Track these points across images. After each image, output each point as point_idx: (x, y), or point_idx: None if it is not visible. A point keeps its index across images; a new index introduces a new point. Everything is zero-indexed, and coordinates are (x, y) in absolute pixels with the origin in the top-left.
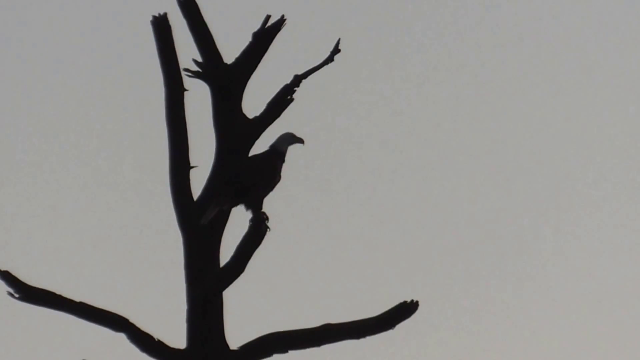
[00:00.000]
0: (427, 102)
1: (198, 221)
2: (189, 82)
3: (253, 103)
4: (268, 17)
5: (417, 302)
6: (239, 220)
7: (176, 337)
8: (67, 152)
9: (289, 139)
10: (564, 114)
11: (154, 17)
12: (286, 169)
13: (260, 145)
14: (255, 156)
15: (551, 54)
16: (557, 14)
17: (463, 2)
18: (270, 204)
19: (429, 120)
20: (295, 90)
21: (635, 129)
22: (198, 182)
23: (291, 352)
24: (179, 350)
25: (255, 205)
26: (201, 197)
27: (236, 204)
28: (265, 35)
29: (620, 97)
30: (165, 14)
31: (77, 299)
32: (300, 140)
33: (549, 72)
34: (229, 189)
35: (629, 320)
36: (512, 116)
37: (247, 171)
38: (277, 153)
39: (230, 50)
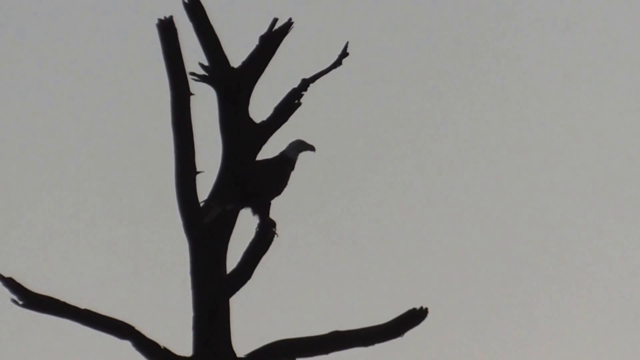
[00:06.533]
0: (438, 106)
1: (201, 220)
2: (195, 86)
3: (260, 107)
4: (275, 20)
5: (426, 309)
6: (245, 226)
7: (183, 344)
8: (72, 157)
9: (299, 146)
10: (581, 123)
11: (160, 20)
12: (293, 174)
13: (267, 150)
14: (265, 160)
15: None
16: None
17: (472, 4)
18: (277, 209)
19: (440, 125)
20: (302, 94)
21: None
22: (204, 187)
23: None
24: (185, 357)
25: (261, 211)
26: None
27: (241, 207)
28: (272, 39)
29: None
30: (171, 17)
31: (82, 306)
32: (311, 148)
33: (561, 83)
34: (234, 191)
35: (636, 319)
36: (528, 119)
37: (254, 175)
38: (287, 160)
39: (237, 54)
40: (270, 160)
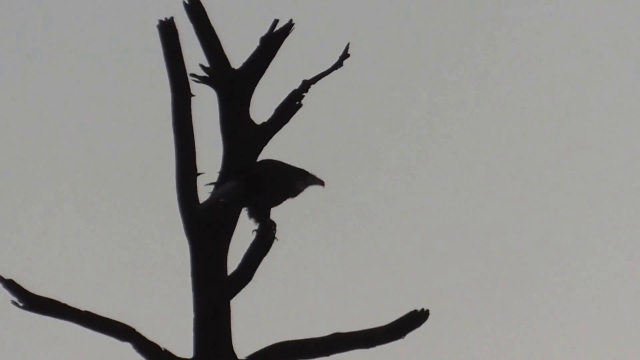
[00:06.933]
0: (440, 107)
1: (198, 206)
2: (195, 88)
3: (261, 108)
4: (276, 22)
5: (427, 310)
6: (246, 227)
7: (183, 346)
8: (72, 159)
9: (310, 180)
10: (580, 122)
11: (161, 21)
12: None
13: (269, 152)
14: (281, 165)
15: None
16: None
17: (477, 6)
18: (277, 210)
19: (442, 126)
20: (303, 96)
21: None
22: (205, 189)
23: None
24: None
25: (259, 213)
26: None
27: (239, 202)
28: (273, 40)
29: None
30: (171, 18)
31: (82, 308)
32: (321, 183)
33: (564, 83)
34: (238, 183)
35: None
36: (531, 120)
37: (264, 170)
38: (294, 186)
39: (237, 55)
40: (285, 169)
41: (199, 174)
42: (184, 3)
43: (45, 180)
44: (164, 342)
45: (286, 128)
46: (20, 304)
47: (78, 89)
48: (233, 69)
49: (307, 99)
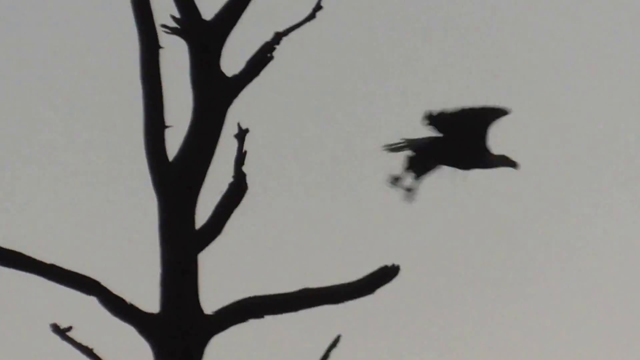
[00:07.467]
0: (415, 58)
1: (172, 176)
2: (165, 39)
3: (232, 61)
4: None
5: (397, 266)
6: (216, 180)
7: (150, 301)
8: (39, 112)
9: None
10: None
11: None
12: (271, 135)
13: (238, 104)
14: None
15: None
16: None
17: None
18: (248, 165)
19: (422, 82)
20: (275, 48)
21: None
22: (174, 142)
23: (267, 318)
24: (152, 314)
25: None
26: (177, 157)
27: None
28: None
29: None
30: None
31: (48, 261)
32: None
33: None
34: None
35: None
36: (532, 91)
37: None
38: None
39: (209, 6)
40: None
41: (168, 126)
42: None
43: (10, 131)
44: (131, 296)
45: (257, 80)
46: None
47: (41, 41)
48: (205, 20)
49: (279, 51)
